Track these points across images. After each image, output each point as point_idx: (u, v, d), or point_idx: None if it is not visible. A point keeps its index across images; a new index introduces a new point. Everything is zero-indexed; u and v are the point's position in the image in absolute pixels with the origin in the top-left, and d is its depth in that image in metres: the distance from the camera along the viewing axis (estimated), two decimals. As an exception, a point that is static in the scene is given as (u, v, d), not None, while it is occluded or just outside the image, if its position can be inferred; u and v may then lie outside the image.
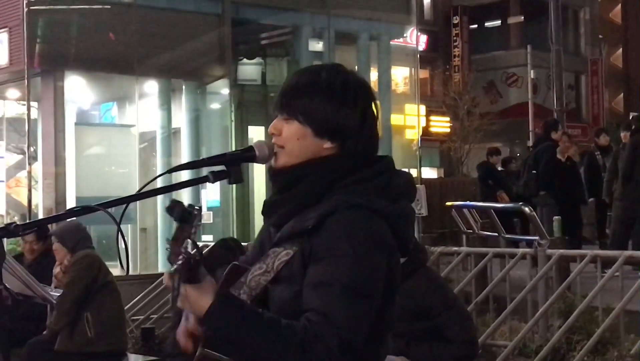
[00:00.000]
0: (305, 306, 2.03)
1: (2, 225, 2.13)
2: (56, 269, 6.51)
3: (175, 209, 2.08)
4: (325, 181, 2.16)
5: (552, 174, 11.05)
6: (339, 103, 2.19)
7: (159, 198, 13.87)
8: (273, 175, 2.24)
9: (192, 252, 2.05)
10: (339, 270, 2.03)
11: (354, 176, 2.17)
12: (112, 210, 2.15)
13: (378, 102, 2.30)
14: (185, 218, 2.07)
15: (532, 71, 29.56)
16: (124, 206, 2.17)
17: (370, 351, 2.14)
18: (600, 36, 37.08)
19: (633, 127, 10.71)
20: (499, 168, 15.02)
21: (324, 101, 2.19)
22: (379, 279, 2.10)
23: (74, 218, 5.63)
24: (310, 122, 2.19)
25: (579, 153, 13.69)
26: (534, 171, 11.17)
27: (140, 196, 2.19)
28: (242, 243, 6.57)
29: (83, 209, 2.14)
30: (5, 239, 2.19)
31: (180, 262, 2.03)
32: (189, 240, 2.04)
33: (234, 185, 2.18)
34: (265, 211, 2.26)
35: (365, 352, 2.10)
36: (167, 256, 2.07)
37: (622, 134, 11.15)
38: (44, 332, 6.40)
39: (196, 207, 2.08)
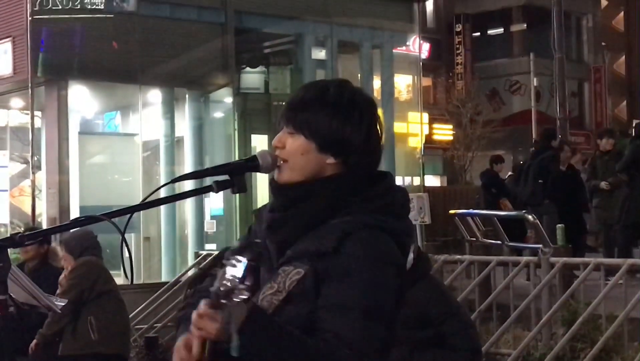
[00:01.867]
0: (321, 326, 2.05)
1: (7, 235, 2.14)
2: (61, 276, 6.56)
3: (249, 249, 1.99)
4: (332, 200, 2.18)
5: (559, 185, 11.11)
6: (344, 119, 2.21)
7: (163, 207, 13.90)
8: (276, 189, 2.25)
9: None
10: (356, 293, 2.07)
11: (362, 195, 2.19)
12: (116, 219, 2.16)
13: (382, 116, 2.31)
14: (257, 258, 2.01)
15: (535, 79, 29.56)
16: (128, 215, 2.18)
17: None
18: (603, 43, 37.09)
19: (634, 134, 10.80)
20: (509, 173, 15.00)
21: (329, 116, 2.20)
22: (391, 298, 2.14)
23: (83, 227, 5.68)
24: (315, 137, 2.20)
25: (582, 160, 13.70)
26: (540, 181, 11.19)
27: (144, 205, 2.20)
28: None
29: (88, 219, 2.16)
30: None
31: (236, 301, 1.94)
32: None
33: (237, 194, 2.16)
34: (270, 228, 2.26)
35: None
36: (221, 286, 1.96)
37: (604, 140, 11.22)
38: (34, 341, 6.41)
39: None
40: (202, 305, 1.98)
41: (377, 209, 2.18)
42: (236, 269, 1.94)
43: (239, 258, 1.95)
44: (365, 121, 2.23)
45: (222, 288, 1.93)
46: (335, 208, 2.17)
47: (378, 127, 2.27)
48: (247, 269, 1.95)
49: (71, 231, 6.54)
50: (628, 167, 10.46)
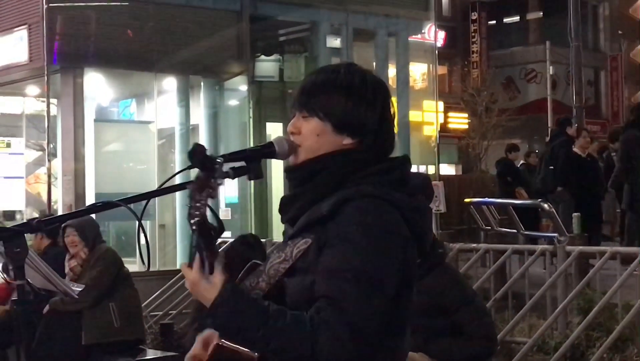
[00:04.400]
0: (317, 293, 2.04)
1: (24, 221, 2.15)
2: (72, 262, 6.56)
3: (196, 153, 2.04)
4: (340, 173, 2.18)
5: (570, 170, 11.03)
6: (358, 99, 2.21)
7: (178, 194, 13.90)
8: (290, 171, 2.25)
9: (207, 219, 2.03)
10: (350, 257, 2.04)
11: (370, 169, 2.18)
12: (131, 206, 2.16)
13: (395, 99, 2.32)
14: (207, 166, 2.04)
15: (551, 67, 29.40)
16: (145, 202, 2.18)
17: (390, 344, 2.14)
18: (619, 32, 36.83)
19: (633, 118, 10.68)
20: (522, 162, 14.98)
21: (343, 96, 2.21)
22: (392, 267, 2.09)
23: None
24: (330, 118, 2.20)
25: (597, 149, 13.64)
26: (551, 167, 11.14)
27: (160, 192, 2.20)
28: (261, 240, 6.59)
29: (104, 205, 2.16)
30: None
31: (197, 220, 2.01)
32: (208, 202, 2.01)
33: (252, 181, 2.17)
34: (281, 208, 2.27)
35: (384, 345, 2.11)
36: (187, 212, 2.03)
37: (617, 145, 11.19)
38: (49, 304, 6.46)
39: (218, 159, 2.06)
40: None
41: (383, 182, 2.17)
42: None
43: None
44: (379, 101, 2.24)
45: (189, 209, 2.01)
46: (343, 181, 2.17)
47: (391, 107, 2.28)
48: (201, 175, 2.03)
49: (80, 218, 6.56)
50: (628, 164, 10.29)
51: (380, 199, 2.12)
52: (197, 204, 2.01)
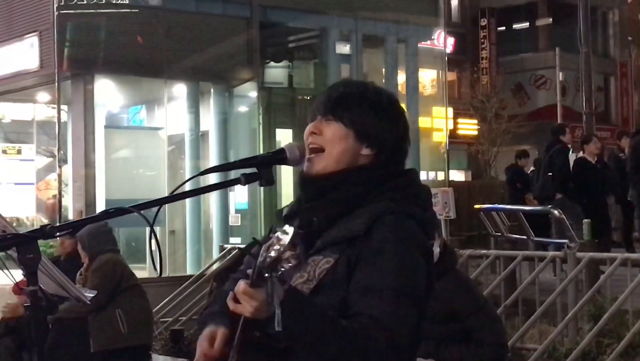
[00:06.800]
0: (354, 310, 2.08)
1: (37, 227, 2.15)
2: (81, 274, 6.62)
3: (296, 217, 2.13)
4: (361, 189, 2.22)
5: (568, 176, 11.09)
6: (385, 115, 2.28)
7: (188, 200, 13.93)
8: (307, 181, 2.26)
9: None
10: (387, 275, 2.10)
11: (389, 185, 2.23)
12: (143, 212, 2.17)
13: (404, 106, 2.39)
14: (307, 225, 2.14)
15: (560, 73, 29.34)
16: (156, 208, 2.19)
17: (415, 353, 2.21)
18: (629, 38, 36.77)
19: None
20: (532, 168, 14.97)
21: (371, 110, 2.27)
22: (422, 282, 2.17)
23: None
24: (354, 126, 2.25)
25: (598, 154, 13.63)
26: (550, 174, 11.18)
27: (172, 198, 2.21)
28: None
29: (117, 211, 2.16)
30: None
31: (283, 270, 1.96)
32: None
33: (262, 187, 2.17)
34: (298, 219, 2.25)
35: (411, 354, 2.18)
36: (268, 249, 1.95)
37: (622, 141, 11.20)
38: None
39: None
40: (242, 284, 1.99)
41: (403, 198, 2.22)
42: (284, 237, 1.92)
43: (287, 227, 1.93)
44: (402, 120, 2.33)
45: (267, 260, 1.91)
46: (364, 197, 2.21)
47: (408, 126, 2.36)
48: (296, 236, 1.92)
49: (86, 226, 6.57)
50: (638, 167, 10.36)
51: (404, 215, 2.18)
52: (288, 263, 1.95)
